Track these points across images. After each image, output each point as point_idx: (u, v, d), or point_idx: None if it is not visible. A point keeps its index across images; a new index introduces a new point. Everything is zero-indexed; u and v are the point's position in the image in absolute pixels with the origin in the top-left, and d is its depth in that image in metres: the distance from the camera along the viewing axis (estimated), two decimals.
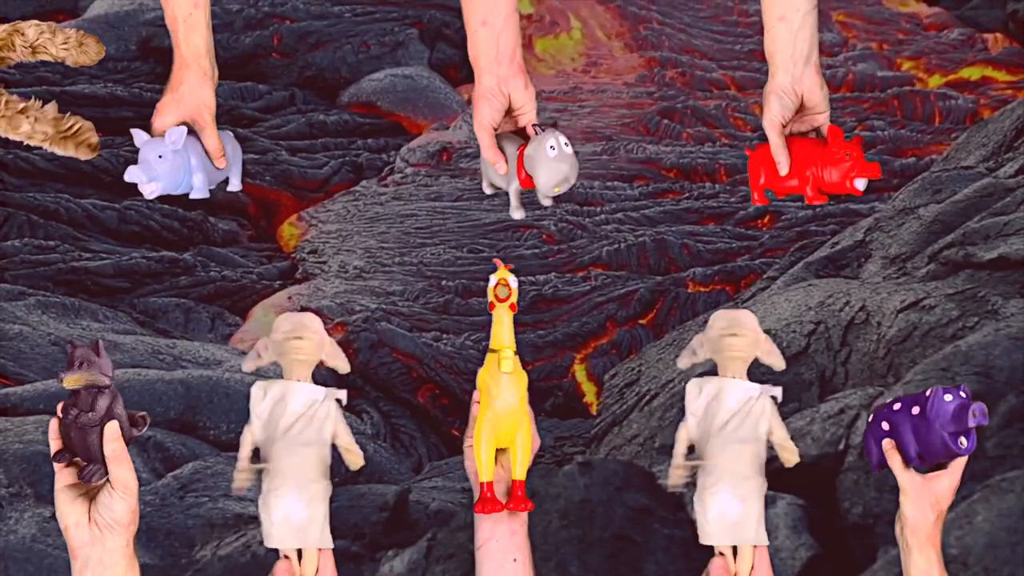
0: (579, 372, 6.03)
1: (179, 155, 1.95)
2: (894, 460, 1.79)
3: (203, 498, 4.20)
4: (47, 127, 1.94)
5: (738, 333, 1.82)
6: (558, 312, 6.27)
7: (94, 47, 2.03)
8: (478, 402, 1.81)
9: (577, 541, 3.44)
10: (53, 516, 3.93)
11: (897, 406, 1.82)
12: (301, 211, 7.28)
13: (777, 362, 1.84)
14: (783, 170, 1.95)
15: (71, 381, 1.54)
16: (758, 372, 1.87)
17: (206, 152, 2.00)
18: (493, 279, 1.78)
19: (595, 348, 6.07)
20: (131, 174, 1.94)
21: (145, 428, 1.63)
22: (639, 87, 8.34)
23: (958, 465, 1.78)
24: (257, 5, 8.76)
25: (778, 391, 1.83)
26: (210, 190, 2.02)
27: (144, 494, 4.15)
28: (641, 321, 6.23)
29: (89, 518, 1.57)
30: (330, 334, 1.86)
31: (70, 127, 1.97)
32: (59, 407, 1.59)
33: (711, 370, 1.88)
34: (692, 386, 1.85)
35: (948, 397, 1.77)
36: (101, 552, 1.58)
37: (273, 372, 1.87)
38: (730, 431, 1.81)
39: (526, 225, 6.91)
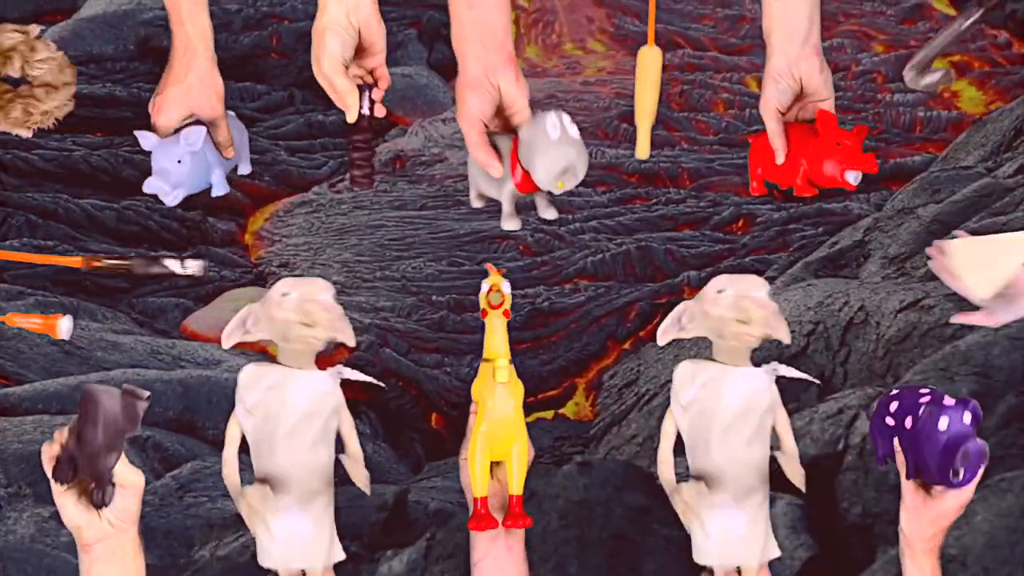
0: (571, 407, 5.93)
1: (198, 156, 1.82)
2: (900, 468, 1.67)
3: (202, 498, 4.20)
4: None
5: (745, 320, 1.58)
6: (556, 327, 6.21)
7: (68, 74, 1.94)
8: (475, 412, 1.68)
9: (576, 541, 3.43)
10: (52, 516, 3.93)
11: (894, 406, 1.65)
12: (258, 230, 7.17)
13: (783, 335, 1.60)
14: (779, 158, 1.79)
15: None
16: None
17: (215, 143, 1.86)
18: (485, 285, 1.64)
19: (597, 373, 6.00)
20: (151, 186, 1.81)
21: (148, 401, 1.60)
22: (623, 97, 8.28)
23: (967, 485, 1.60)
24: (256, 5, 8.75)
25: (785, 369, 1.62)
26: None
27: (143, 494, 4.15)
28: (641, 334, 6.18)
29: (100, 518, 1.58)
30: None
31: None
32: (58, 432, 1.59)
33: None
34: (683, 371, 1.63)
35: (943, 424, 1.54)
36: (115, 544, 1.60)
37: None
38: (735, 435, 1.61)
39: (502, 236, 6.80)
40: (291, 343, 1.61)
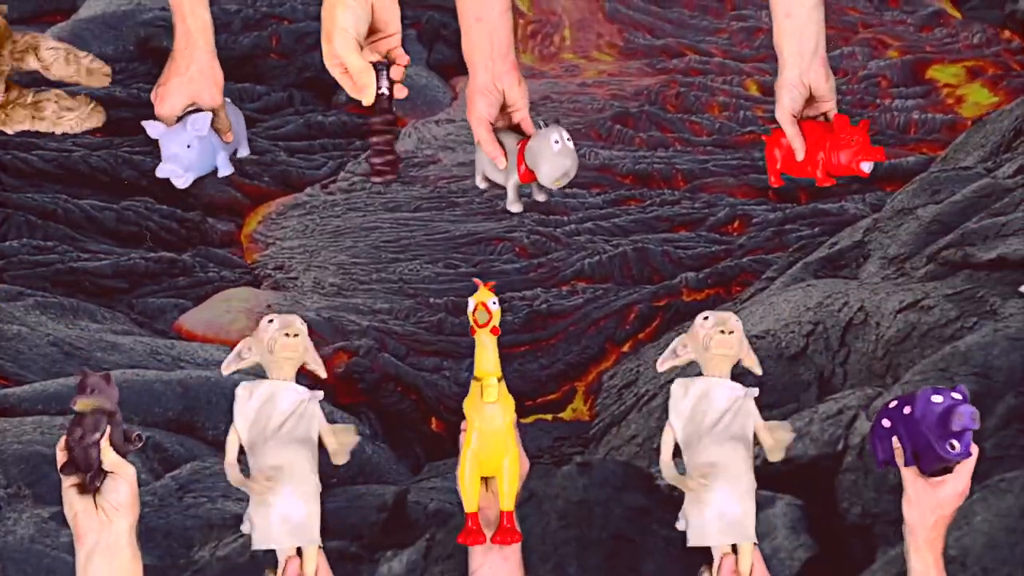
0: (569, 413, 5.90)
1: (204, 140, 1.98)
2: (899, 461, 1.76)
3: (202, 499, 4.20)
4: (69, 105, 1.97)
5: (727, 330, 1.81)
6: (554, 330, 6.18)
7: (101, 75, 2.03)
8: (465, 430, 1.77)
9: (575, 541, 3.44)
10: (51, 517, 3.93)
11: (893, 404, 1.79)
12: (251, 232, 7.12)
13: (756, 367, 1.87)
14: (800, 156, 2.06)
15: (83, 405, 1.63)
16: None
17: (215, 129, 2.01)
18: (472, 302, 1.73)
19: (596, 376, 5.97)
20: (164, 171, 1.97)
21: (140, 445, 1.72)
22: (620, 99, 8.24)
23: (964, 469, 1.73)
24: (255, 6, 8.75)
25: (755, 392, 1.85)
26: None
27: (142, 495, 4.13)
28: (640, 336, 6.15)
29: (96, 506, 1.65)
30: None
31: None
32: (69, 428, 1.67)
33: (695, 372, 1.89)
34: (678, 387, 1.85)
35: (936, 399, 1.73)
36: (108, 536, 1.65)
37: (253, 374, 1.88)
38: (721, 429, 1.81)
39: (498, 237, 6.77)
40: (277, 354, 1.77)
